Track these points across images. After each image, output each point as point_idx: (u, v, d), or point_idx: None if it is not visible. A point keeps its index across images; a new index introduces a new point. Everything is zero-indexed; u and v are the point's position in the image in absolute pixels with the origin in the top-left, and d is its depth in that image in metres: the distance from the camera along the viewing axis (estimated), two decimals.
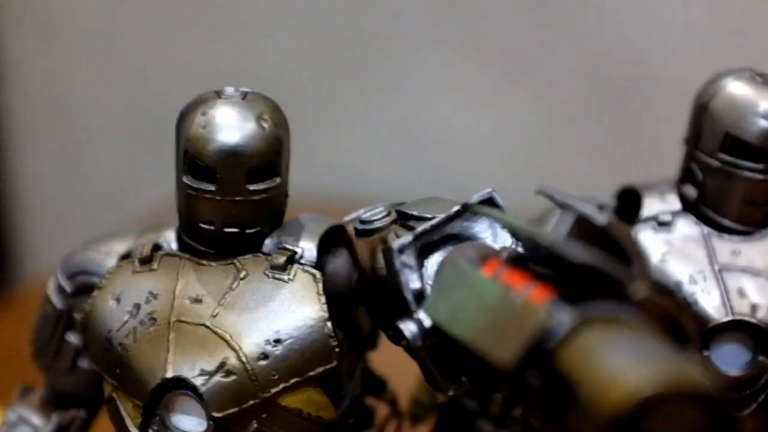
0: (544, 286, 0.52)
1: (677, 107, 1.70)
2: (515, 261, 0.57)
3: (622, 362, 0.45)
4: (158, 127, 1.91)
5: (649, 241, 0.80)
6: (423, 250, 0.65)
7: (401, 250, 0.64)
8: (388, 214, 0.71)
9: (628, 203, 0.84)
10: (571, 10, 1.64)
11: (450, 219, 0.66)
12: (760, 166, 0.78)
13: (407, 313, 0.63)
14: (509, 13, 1.68)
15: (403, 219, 0.70)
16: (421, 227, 0.65)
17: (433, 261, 0.65)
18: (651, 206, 0.82)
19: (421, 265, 0.65)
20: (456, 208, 0.65)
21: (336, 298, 0.73)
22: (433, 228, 0.65)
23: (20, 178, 2.02)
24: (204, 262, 0.72)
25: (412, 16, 1.73)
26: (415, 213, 0.69)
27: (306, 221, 0.75)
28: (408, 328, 0.62)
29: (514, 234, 0.63)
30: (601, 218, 0.56)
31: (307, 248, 0.72)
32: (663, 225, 0.81)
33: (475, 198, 0.65)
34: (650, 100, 1.58)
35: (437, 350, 0.62)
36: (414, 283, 0.63)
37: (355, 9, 1.75)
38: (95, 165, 1.97)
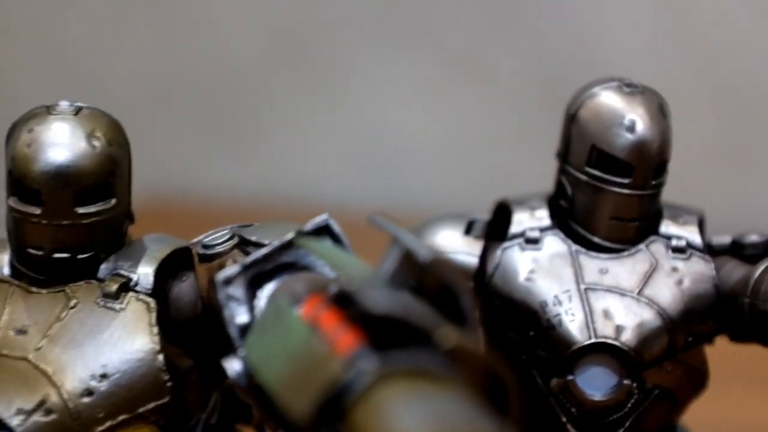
0: (355, 331, 0.49)
1: None
2: (338, 299, 0.53)
3: (411, 425, 0.42)
4: None
5: (516, 258, 0.77)
6: (257, 280, 0.62)
7: (227, 281, 0.60)
8: (231, 238, 0.68)
9: (503, 218, 0.80)
10: (518, 10, 1.64)
11: (284, 247, 0.62)
12: (626, 181, 0.74)
13: (234, 350, 0.59)
14: (456, 14, 1.68)
15: (243, 244, 0.67)
16: (250, 257, 0.61)
17: (267, 292, 0.61)
18: (520, 222, 0.79)
19: (253, 297, 0.61)
20: (288, 236, 0.61)
21: (181, 324, 0.69)
22: (265, 257, 0.61)
23: None
24: (34, 289, 0.67)
25: (360, 19, 1.72)
26: (253, 239, 0.66)
27: (149, 243, 0.71)
28: (232, 366, 0.58)
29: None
30: (424, 253, 0.53)
31: (144, 274, 0.68)
32: (531, 242, 0.77)
33: (309, 226, 0.62)
34: None
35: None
36: (240, 318, 0.59)
37: (303, 13, 1.74)
38: None
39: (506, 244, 0.78)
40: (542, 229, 0.78)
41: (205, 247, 0.68)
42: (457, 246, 0.79)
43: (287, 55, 1.76)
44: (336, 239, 0.62)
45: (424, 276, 0.54)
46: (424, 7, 1.69)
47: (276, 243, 0.61)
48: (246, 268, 0.60)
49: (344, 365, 0.46)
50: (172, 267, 0.71)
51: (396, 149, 1.76)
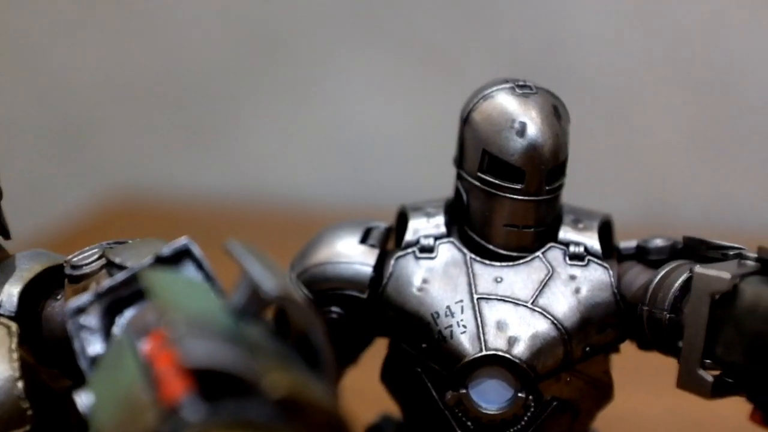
0: (187, 377, 0.46)
1: (592, 99, 1.69)
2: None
3: None
4: (71, 130, 1.85)
5: (410, 267, 0.75)
6: (116, 306, 0.59)
7: (78, 311, 0.57)
8: (100, 257, 0.65)
9: (404, 224, 0.78)
10: (488, 5, 1.64)
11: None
12: (518, 187, 0.72)
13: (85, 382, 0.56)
14: (427, 10, 1.67)
15: (109, 266, 0.64)
16: (104, 284, 0.58)
17: (125, 319, 0.58)
18: (416, 230, 0.76)
19: (111, 324, 0.58)
20: (147, 261, 0.59)
21: (55, 344, 0.67)
22: (122, 284, 0.58)
23: None
24: None
25: (331, 15, 1.71)
26: (117, 261, 0.63)
27: (21, 262, 0.68)
28: (82, 400, 0.55)
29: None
30: (270, 287, 0.50)
31: (9, 295, 0.65)
32: (425, 250, 0.75)
33: (167, 250, 0.59)
34: (563, 92, 1.56)
35: None
36: (93, 348, 0.57)
37: (275, 10, 1.73)
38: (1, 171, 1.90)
39: (400, 252, 0.75)
40: (437, 237, 0.75)
41: (73, 267, 0.65)
42: (351, 255, 0.76)
43: (259, 52, 1.75)
44: (198, 264, 0.59)
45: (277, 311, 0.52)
46: (395, 3, 1.69)
47: (135, 268, 0.59)
48: (100, 295, 0.58)
49: (162, 416, 0.43)
50: (47, 285, 0.68)
51: (368, 145, 1.76)
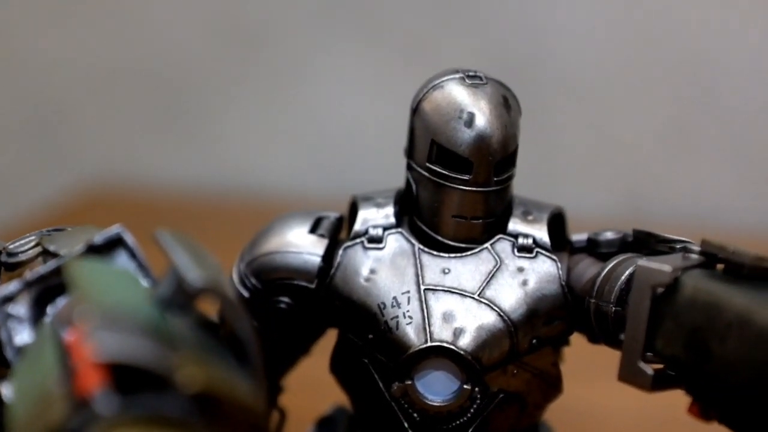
0: (102, 370, 0.45)
1: (575, 95, 1.69)
2: None
3: None
4: (47, 119, 1.83)
5: (358, 258, 0.74)
6: (47, 295, 0.58)
7: (7, 299, 0.56)
8: (37, 245, 0.64)
9: (355, 213, 0.77)
10: None
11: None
12: (467, 178, 0.71)
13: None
14: (406, 2, 1.67)
15: (45, 254, 0.63)
16: (34, 272, 0.57)
17: (55, 310, 0.58)
18: (365, 220, 0.75)
19: (42, 314, 0.57)
20: (78, 249, 0.58)
21: None
22: (52, 273, 0.57)
23: None
24: None
25: (310, 5, 1.70)
26: (51, 248, 0.62)
27: None
28: (6, 391, 0.54)
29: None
30: (194, 279, 0.49)
31: None
32: (373, 241, 0.74)
33: (99, 238, 0.58)
34: (543, 86, 1.56)
35: None
36: (21, 337, 0.56)
37: (254, 0, 1.72)
38: None
39: (348, 242, 0.74)
40: (386, 228, 0.74)
41: (9, 254, 0.64)
42: (301, 244, 0.76)
43: (237, 42, 1.75)
44: (131, 253, 0.58)
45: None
46: None
47: (66, 256, 0.58)
48: (29, 284, 0.57)
49: (71, 409, 0.42)
50: None
51: (348, 137, 1.75)
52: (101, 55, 1.79)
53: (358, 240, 0.74)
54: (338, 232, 0.78)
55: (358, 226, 0.75)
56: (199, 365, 0.44)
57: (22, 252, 0.64)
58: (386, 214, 0.75)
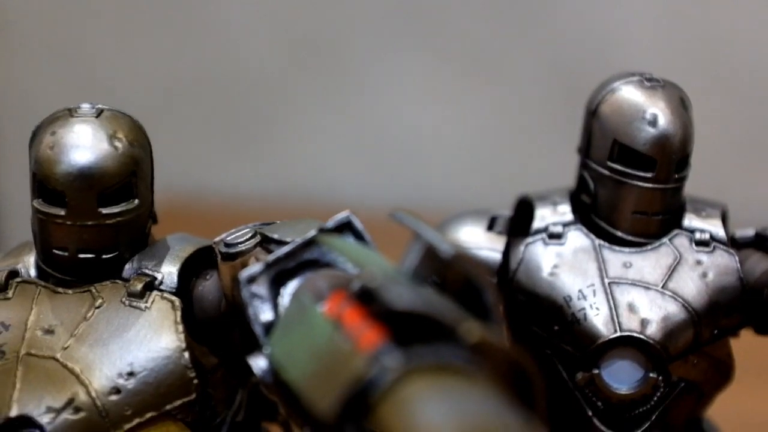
0: (379, 328, 0.49)
1: None
2: (361, 295, 0.53)
3: (437, 421, 0.42)
4: None
5: (540, 253, 0.77)
6: (280, 277, 0.62)
7: (250, 280, 0.60)
8: (253, 236, 0.68)
9: (525, 214, 0.80)
10: (533, 9, 1.64)
11: (306, 244, 0.62)
12: (649, 175, 0.74)
13: (259, 347, 0.59)
14: (471, 13, 1.67)
15: (266, 242, 0.67)
16: (273, 255, 0.61)
17: (290, 290, 0.61)
18: (543, 217, 0.78)
19: (277, 294, 0.61)
20: (311, 233, 0.62)
21: (206, 322, 0.70)
22: (288, 255, 0.61)
23: None
24: (60, 290, 0.68)
25: (374, 17, 1.72)
26: (275, 237, 0.66)
27: (173, 243, 0.71)
28: (257, 364, 0.58)
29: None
30: (446, 248, 0.53)
31: (168, 273, 0.68)
32: (554, 237, 0.77)
33: (331, 223, 0.62)
34: None
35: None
36: (264, 315, 0.60)
37: (318, 13, 1.74)
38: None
39: (529, 239, 0.78)
40: (565, 224, 0.78)
41: (228, 245, 0.68)
42: (480, 242, 0.79)
43: (302, 55, 1.77)
44: (358, 236, 0.62)
45: (447, 272, 0.54)
46: (438, 6, 1.70)
47: (299, 240, 0.61)
48: (269, 266, 0.61)
49: (368, 362, 0.46)
50: (196, 266, 0.71)
51: (411, 148, 1.76)
52: (176, 71, 1.79)
53: (538, 236, 0.78)
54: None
55: (537, 224, 0.78)
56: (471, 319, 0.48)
57: (242, 243, 0.67)
58: (564, 211, 0.78)
